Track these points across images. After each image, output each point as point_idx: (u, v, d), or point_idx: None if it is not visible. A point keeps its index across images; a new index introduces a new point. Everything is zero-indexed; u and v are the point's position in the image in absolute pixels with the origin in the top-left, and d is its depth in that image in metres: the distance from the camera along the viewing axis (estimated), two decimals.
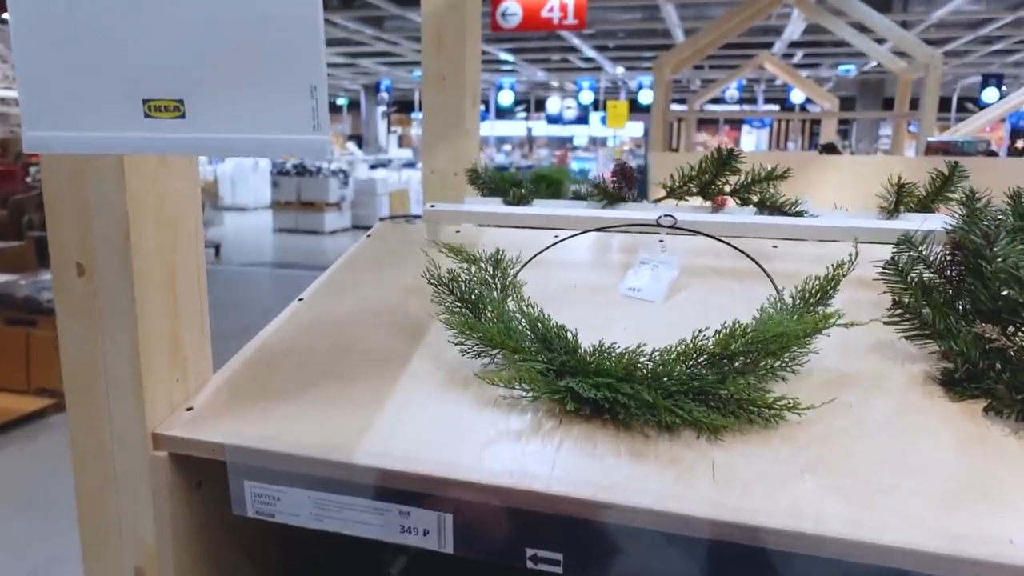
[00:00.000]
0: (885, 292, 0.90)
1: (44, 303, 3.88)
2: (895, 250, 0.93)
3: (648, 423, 0.74)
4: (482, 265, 0.97)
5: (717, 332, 0.78)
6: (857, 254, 0.83)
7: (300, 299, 1.06)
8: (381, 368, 0.87)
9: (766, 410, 0.74)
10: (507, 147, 22.81)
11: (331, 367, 0.88)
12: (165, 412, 0.81)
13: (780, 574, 0.65)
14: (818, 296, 0.83)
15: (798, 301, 0.84)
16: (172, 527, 0.81)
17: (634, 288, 1.00)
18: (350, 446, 0.74)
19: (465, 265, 0.97)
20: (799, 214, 1.18)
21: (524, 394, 0.78)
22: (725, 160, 1.15)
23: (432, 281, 0.91)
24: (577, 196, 1.33)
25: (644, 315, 0.95)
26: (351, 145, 18.29)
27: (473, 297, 0.90)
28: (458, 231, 1.24)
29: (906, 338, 0.83)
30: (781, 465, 0.69)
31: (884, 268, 0.89)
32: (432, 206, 1.16)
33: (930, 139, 3.63)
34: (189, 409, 0.82)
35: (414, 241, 1.21)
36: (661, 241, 1.12)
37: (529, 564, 0.71)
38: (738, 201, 1.21)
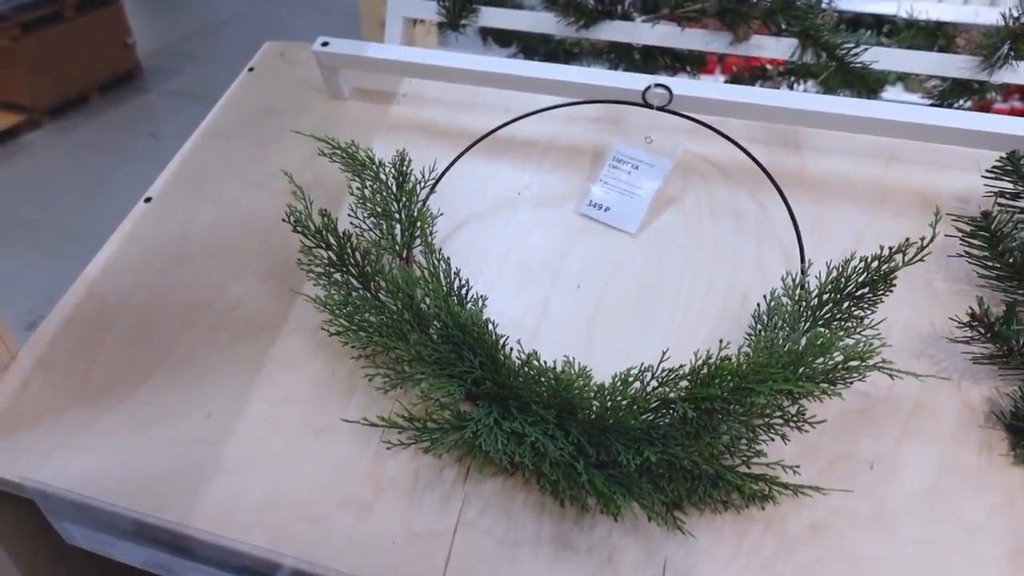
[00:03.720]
0: (961, 256, 0.62)
1: None
2: (986, 189, 0.62)
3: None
4: (381, 180, 0.68)
5: (693, 367, 0.53)
6: (933, 237, 0.53)
7: (147, 199, 0.78)
8: (238, 351, 0.64)
9: (748, 485, 0.52)
10: None
11: (173, 346, 0.65)
12: None
13: None
14: (861, 291, 0.55)
15: (828, 295, 0.56)
16: None
17: (598, 205, 0.71)
18: (187, 503, 0.55)
19: (355, 180, 0.68)
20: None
21: (417, 440, 0.56)
22: None
23: (297, 228, 0.63)
24: None
25: (608, 259, 0.68)
26: None
27: (358, 258, 0.62)
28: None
29: (974, 362, 0.57)
30: (760, 574, 0.50)
31: (968, 228, 0.60)
32: (325, 44, 0.80)
33: None
34: None
35: (310, 88, 0.87)
36: (648, 130, 0.78)
37: None
38: (772, 28, 0.83)
